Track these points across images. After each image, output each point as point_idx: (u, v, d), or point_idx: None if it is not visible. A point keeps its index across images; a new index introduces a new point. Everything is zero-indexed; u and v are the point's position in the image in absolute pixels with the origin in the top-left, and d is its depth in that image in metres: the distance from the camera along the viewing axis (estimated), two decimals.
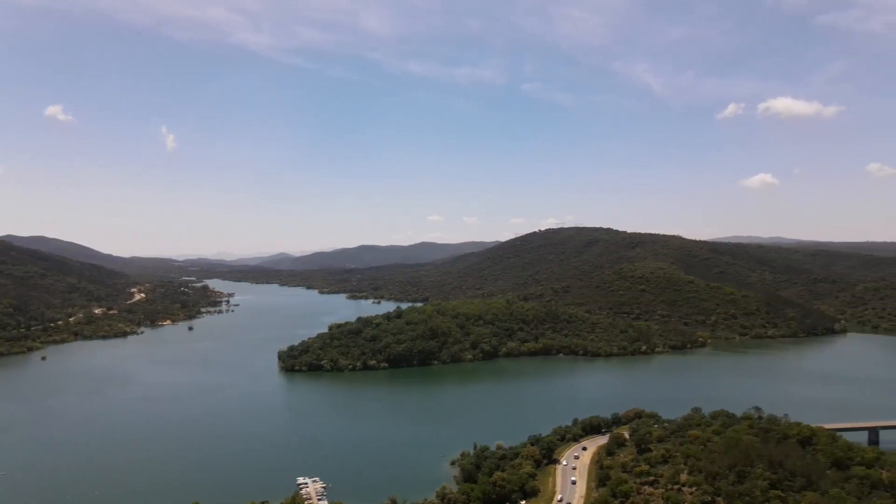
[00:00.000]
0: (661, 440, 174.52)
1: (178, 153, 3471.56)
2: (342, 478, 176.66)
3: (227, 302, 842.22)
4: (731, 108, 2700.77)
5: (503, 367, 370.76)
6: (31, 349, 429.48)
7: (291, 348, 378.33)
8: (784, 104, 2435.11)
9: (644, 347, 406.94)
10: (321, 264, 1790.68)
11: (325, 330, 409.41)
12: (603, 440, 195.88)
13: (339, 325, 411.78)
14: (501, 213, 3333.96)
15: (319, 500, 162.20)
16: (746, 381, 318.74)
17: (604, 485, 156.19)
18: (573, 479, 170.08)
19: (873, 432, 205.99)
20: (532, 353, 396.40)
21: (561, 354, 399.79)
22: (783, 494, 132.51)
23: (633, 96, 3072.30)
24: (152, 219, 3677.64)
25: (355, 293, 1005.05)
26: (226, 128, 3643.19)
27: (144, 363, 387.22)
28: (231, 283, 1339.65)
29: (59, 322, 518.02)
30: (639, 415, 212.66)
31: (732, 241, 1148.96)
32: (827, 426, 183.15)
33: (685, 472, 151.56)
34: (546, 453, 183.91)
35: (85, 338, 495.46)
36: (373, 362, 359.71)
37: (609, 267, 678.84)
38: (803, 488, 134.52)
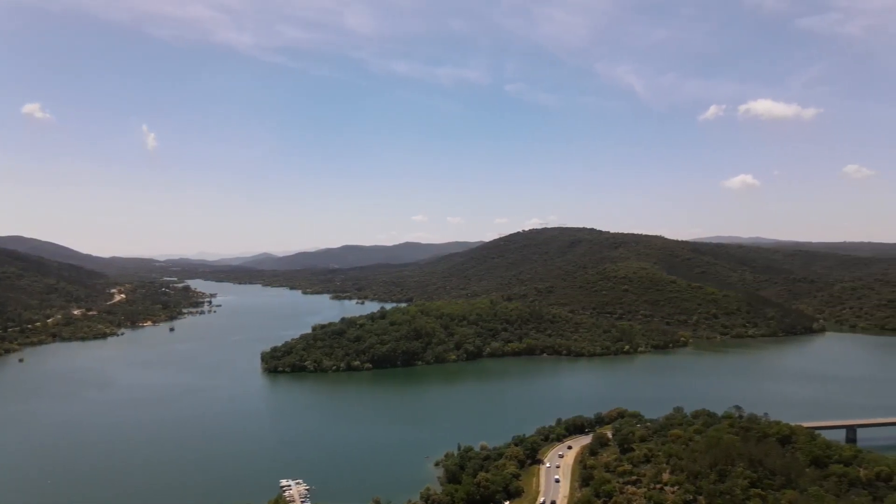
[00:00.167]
0: (643, 440, 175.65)
1: (160, 152, 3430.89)
2: (326, 480, 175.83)
3: (209, 303, 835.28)
4: (713, 109, 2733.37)
5: (487, 367, 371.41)
6: (7, 351, 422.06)
7: (274, 349, 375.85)
8: (764, 106, 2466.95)
9: (627, 347, 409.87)
10: (305, 264, 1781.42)
11: (309, 331, 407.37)
12: (586, 440, 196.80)
13: (322, 326, 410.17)
14: (485, 213, 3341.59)
15: (303, 502, 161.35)
16: (727, 381, 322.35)
17: (587, 485, 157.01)
18: (557, 478, 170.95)
19: (851, 430, 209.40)
20: (516, 354, 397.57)
21: (545, 354, 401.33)
22: (763, 493, 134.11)
23: (615, 97, 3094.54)
24: (133, 218, 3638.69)
25: (339, 293, 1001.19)
26: (208, 127, 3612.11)
27: (125, 365, 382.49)
28: (213, 283, 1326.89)
29: (37, 323, 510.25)
30: (622, 414, 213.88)
31: (714, 241, 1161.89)
32: (806, 424, 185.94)
33: (667, 471, 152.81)
34: (530, 453, 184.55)
35: (63, 339, 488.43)
36: (357, 363, 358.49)
37: (592, 267, 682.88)
38: (783, 486, 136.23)
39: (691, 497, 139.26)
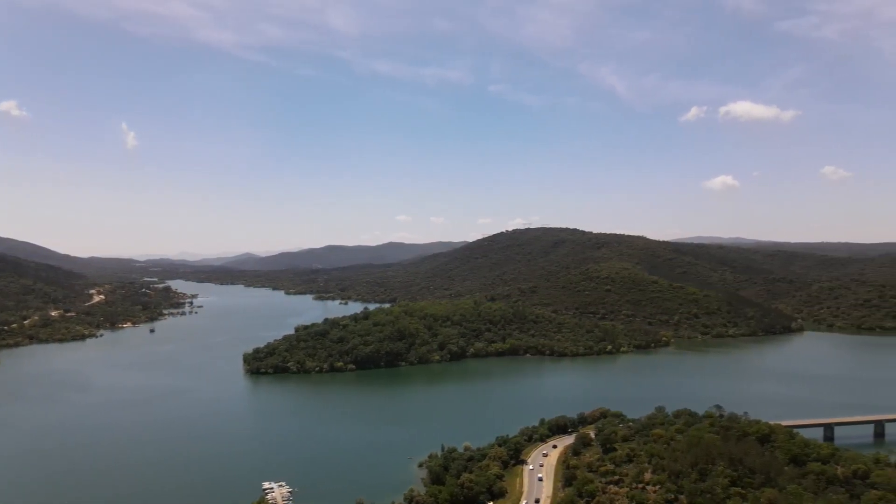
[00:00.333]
0: (625, 439, 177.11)
1: (139, 151, 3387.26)
2: (309, 482, 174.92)
3: (191, 303, 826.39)
4: (694, 111, 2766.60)
5: (470, 367, 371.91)
6: None
7: (257, 350, 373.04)
8: (744, 108, 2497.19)
9: (609, 347, 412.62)
10: (287, 265, 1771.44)
11: (292, 331, 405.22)
12: (569, 440, 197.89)
13: (305, 327, 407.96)
14: (469, 213, 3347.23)
15: None
16: (708, 380, 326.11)
17: (570, 485, 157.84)
18: (540, 476, 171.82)
19: (828, 429, 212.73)
20: (499, 354, 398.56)
21: (528, 355, 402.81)
22: (743, 491, 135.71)
23: (598, 98, 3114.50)
24: (112, 218, 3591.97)
25: (322, 294, 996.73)
26: (189, 126, 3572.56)
27: (104, 367, 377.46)
28: (194, 284, 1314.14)
29: (13, 325, 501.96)
30: (604, 414, 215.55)
31: (695, 241, 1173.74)
32: (784, 423, 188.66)
33: (649, 470, 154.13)
34: (513, 454, 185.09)
35: (41, 341, 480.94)
36: (340, 364, 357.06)
37: (575, 267, 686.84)
38: (762, 485, 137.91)
39: (673, 496, 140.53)
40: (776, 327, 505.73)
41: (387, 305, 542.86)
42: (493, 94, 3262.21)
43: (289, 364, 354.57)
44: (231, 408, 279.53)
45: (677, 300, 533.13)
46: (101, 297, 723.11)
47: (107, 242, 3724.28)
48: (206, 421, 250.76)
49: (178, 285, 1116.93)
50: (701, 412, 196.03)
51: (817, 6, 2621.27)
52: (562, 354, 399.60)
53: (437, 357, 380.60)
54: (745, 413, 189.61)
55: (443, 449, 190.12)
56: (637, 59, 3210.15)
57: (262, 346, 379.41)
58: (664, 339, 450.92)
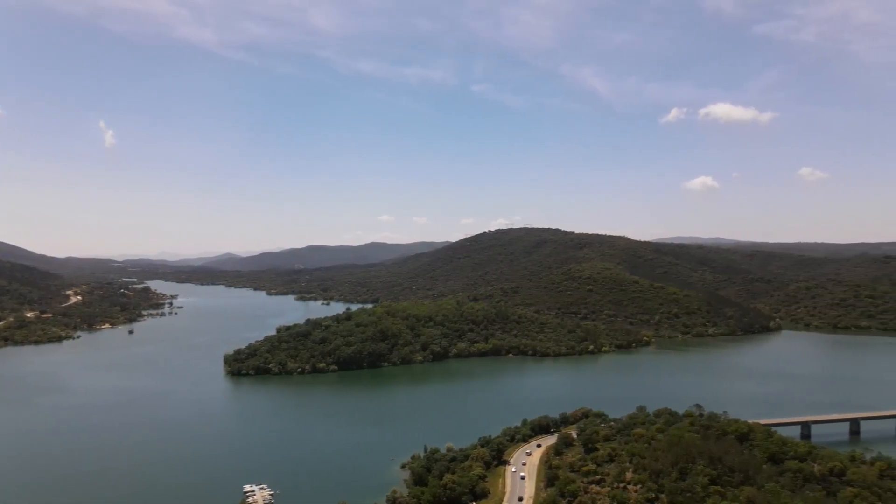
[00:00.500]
0: (607, 439, 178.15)
1: (118, 149, 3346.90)
2: (290, 484, 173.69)
3: (171, 304, 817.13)
4: (674, 112, 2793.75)
5: (453, 368, 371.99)
6: None
7: (238, 352, 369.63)
8: (723, 110, 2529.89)
9: (591, 347, 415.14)
10: (269, 265, 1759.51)
11: (273, 332, 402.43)
12: (551, 440, 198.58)
13: (287, 328, 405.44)
14: (451, 213, 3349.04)
15: None
16: (688, 379, 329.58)
17: (552, 485, 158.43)
18: (522, 475, 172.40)
19: (805, 427, 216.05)
20: (482, 354, 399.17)
21: (510, 355, 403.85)
22: (722, 489, 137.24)
23: (580, 99, 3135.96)
24: (90, 218, 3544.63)
25: (304, 294, 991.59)
26: (169, 125, 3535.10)
27: (81, 369, 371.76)
28: (174, 284, 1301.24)
29: None
30: (586, 414, 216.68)
31: (675, 241, 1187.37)
32: (763, 422, 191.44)
33: (630, 470, 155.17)
34: (496, 454, 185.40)
35: (16, 343, 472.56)
36: (322, 365, 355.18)
37: (557, 267, 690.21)
38: (741, 483, 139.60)
39: (653, 495, 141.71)
40: (755, 327, 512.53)
41: (369, 306, 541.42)
42: (475, 95, 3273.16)
43: (270, 365, 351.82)
44: (211, 410, 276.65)
45: (658, 300, 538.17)
46: (79, 297, 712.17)
47: (84, 242, 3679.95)
48: (185, 423, 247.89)
49: (157, 286, 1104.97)
50: (681, 411, 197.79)
51: (794, 10, 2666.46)
52: (544, 354, 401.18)
53: (420, 357, 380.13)
54: (725, 412, 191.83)
55: (425, 450, 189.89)
56: (618, 60, 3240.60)
57: (243, 347, 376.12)
58: (645, 338, 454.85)
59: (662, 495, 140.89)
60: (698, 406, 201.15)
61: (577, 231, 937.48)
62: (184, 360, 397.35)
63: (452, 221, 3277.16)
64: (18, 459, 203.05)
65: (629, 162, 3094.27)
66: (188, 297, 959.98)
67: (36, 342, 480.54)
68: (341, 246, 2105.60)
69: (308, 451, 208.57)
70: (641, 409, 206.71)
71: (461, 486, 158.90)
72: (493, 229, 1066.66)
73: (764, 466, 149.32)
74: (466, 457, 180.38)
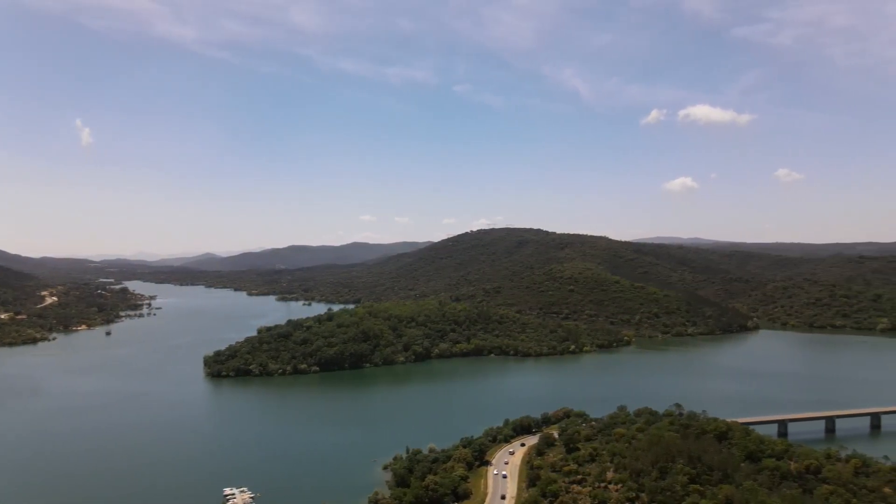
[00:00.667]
0: (588, 439, 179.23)
1: (95, 148, 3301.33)
2: (271, 486, 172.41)
3: (149, 305, 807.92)
4: (654, 113, 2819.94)
5: (435, 368, 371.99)
6: None
7: (218, 353, 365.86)
8: (702, 111, 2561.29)
9: (573, 347, 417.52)
10: (250, 265, 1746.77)
11: (254, 333, 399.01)
12: (533, 440, 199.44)
13: (268, 329, 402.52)
14: (433, 213, 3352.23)
15: None
16: (668, 378, 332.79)
17: (534, 485, 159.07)
18: (504, 474, 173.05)
19: (782, 425, 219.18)
20: (464, 354, 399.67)
21: (492, 355, 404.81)
22: (701, 488, 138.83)
23: (561, 100, 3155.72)
24: (66, 217, 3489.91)
25: (285, 295, 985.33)
26: (147, 123, 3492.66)
27: (57, 371, 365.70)
28: (153, 285, 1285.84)
29: None
30: (567, 414, 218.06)
31: (655, 241, 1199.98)
32: (741, 420, 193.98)
33: (611, 469, 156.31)
34: (478, 455, 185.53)
35: None
36: (303, 366, 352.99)
37: (539, 267, 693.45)
38: (720, 482, 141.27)
39: (634, 495, 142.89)
40: (733, 326, 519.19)
41: (351, 306, 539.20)
42: (457, 95, 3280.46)
43: (251, 366, 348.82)
44: (191, 412, 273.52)
45: (638, 300, 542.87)
46: (54, 298, 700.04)
47: (60, 242, 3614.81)
48: (164, 426, 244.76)
49: (135, 286, 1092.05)
50: (661, 411, 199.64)
51: (772, 13, 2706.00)
52: (526, 354, 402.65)
53: (402, 358, 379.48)
54: (704, 411, 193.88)
55: (407, 451, 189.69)
56: (599, 61, 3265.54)
57: (223, 348, 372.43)
58: (626, 338, 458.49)
59: (643, 494, 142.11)
60: (678, 405, 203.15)
61: (558, 231, 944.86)
62: (162, 362, 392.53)
63: (434, 221, 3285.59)
64: None
65: (610, 162, 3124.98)
66: (167, 297, 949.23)
67: (10, 344, 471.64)
68: (323, 246, 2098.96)
69: (289, 454, 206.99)
70: (622, 408, 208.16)
71: (443, 487, 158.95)
72: (474, 229, 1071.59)
73: (742, 465, 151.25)
74: (448, 457, 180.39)
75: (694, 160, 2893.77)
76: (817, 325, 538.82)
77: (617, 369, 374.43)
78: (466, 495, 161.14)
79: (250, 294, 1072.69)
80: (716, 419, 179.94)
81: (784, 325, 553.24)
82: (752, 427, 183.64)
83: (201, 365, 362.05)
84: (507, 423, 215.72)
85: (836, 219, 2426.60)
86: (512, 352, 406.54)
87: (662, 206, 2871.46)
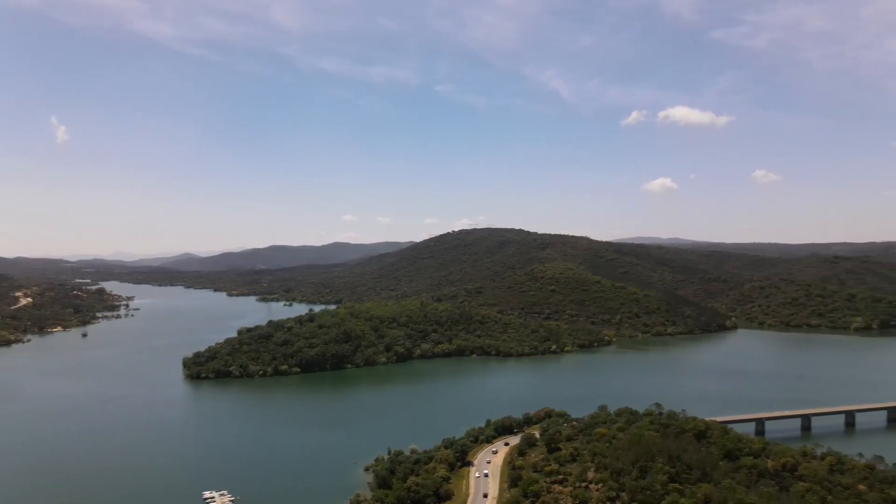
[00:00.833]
0: (569, 439, 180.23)
1: (70, 146, 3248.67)
2: (251, 489, 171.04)
3: (127, 306, 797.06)
4: (634, 115, 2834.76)
5: (417, 369, 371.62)
6: None
7: (197, 354, 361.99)
8: (681, 113, 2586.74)
9: (554, 347, 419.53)
10: (230, 265, 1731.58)
11: (234, 334, 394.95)
12: (515, 440, 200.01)
13: (248, 330, 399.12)
14: (415, 213, 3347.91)
15: None
16: (648, 378, 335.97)
17: (515, 485, 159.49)
18: (486, 472, 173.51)
19: (759, 423, 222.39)
20: (446, 355, 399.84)
21: (474, 355, 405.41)
22: (681, 487, 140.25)
23: (542, 101, 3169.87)
24: (41, 216, 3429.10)
25: (266, 295, 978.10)
26: (125, 121, 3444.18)
27: (32, 374, 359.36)
28: (131, 285, 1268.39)
29: None
30: (549, 414, 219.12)
31: (635, 241, 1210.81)
32: (719, 419, 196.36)
33: (592, 469, 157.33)
34: (459, 456, 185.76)
35: None
36: (284, 367, 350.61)
37: (520, 268, 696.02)
38: (699, 480, 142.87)
39: (615, 494, 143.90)
40: (711, 325, 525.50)
41: (332, 307, 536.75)
42: (439, 95, 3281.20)
43: (231, 368, 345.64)
44: (169, 415, 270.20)
45: (619, 300, 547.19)
46: (29, 299, 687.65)
47: (35, 242, 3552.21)
48: (142, 429, 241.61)
49: (112, 287, 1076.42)
50: (641, 410, 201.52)
51: (749, 16, 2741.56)
52: (507, 355, 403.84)
53: (384, 359, 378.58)
54: (683, 410, 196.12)
55: (389, 452, 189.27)
56: (580, 63, 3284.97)
57: (202, 349, 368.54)
58: (607, 338, 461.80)
59: (623, 494, 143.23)
60: (658, 405, 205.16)
61: (539, 231, 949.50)
62: (140, 364, 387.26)
63: (416, 221, 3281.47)
64: None
65: (591, 163, 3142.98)
66: (145, 298, 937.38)
67: None
68: (304, 246, 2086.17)
69: (269, 456, 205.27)
70: (603, 408, 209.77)
71: (425, 488, 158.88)
72: (456, 229, 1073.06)
73: (720, 463, 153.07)
74: (430, 458, 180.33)
75: (673, 161, 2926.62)
76: (793, 324, 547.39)
77: (598, 369, 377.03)
78: (448, 496, 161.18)
79: (230, 295, 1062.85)
80: (695, 418, 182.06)
81: (761, 325, 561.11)
82: (730, 426, 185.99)
83: (180, 367, 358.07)
84: (488, 423, 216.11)
85: (811, 219, 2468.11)
86: (494, 352, 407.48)
87: (642, 207, 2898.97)
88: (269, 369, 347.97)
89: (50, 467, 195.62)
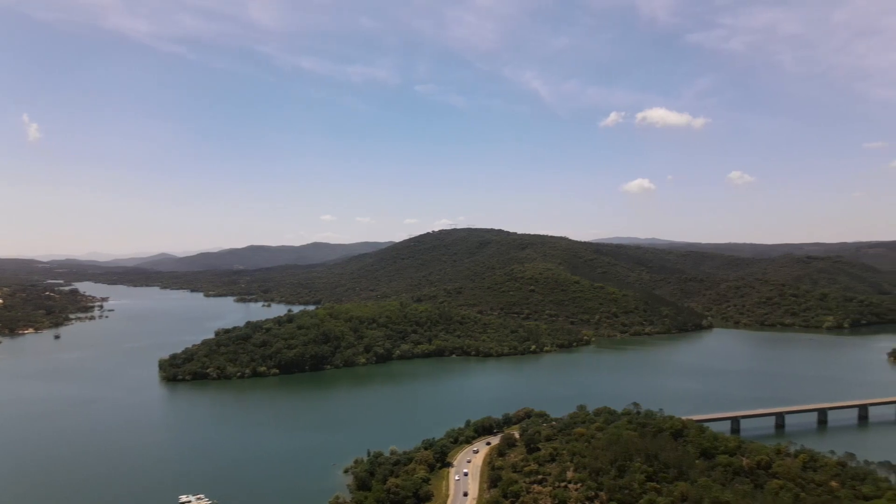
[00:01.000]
0: (549, 439, 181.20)
1: (43, 144, 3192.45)
2: (229, 493, 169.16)
3: (101, 307, 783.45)
4: (613, 116, 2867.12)
5: (397, 369, 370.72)
6: None
7: (174, 356, 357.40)
8: (659, 114, 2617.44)
9: (533, 347, 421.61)
10: (207, 265, 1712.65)
11: (212, 336, 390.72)
12: (495, 441, 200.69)
13: (226, 331, 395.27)
14: (395, 213, 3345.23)
15: None
16: (627, 377, 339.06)
17: (495, 485, 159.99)
18: (466, 471, 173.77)
19: (735, 421, 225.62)
20: (426, 355, 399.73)
21: (454, 356, 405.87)
22: (658, 486, 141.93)
23: (522, 101, 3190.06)
24: (11, 215, 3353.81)
25: (244, 296, 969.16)
26: (99, 119, 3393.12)
27: (2, 377, 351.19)
28: (105, 286, 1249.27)
29: None
30: (528, 414, 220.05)
31: (614, 241, 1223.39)
32: (696, 418, 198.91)
33: (571, 469, 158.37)
34: (439, 457, 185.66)
35: None
36: (263, 369, 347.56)
37: (500, 268, 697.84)
38: (676, 479, 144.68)
39: (593, 493, 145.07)
40: (688, 325, 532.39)
41: (311, 307, 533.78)
42: (419, 94, 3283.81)
43: (208, 370, 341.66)
44: (145, 418, 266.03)
45: (598, 300, 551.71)
46: None
47: (5, 242, 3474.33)
48: (117, 433, 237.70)
49: (86, 288, 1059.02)
50: (620, 409, 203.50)
51: (724, 20, 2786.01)
52: (487, 355, 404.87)
53: (363, 360, 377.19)
54: (661, 409, 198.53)
55: (369, 454, 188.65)
56: (559, 64, 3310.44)
57: (179, 351, 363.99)
58: (585, 337, 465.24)
59: (602, 493, 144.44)
60: (636, 404, 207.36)
61: (519, 231, 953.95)
62: (115, 366, 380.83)
63: (396, 221, 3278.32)
64: None
65: (570, 163, 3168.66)
66: (120, 299, 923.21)
67: None
68: (282, 246, 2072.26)
69: (247, 459, 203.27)
70: (582, 407, 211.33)
71: (405, 490, 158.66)
72: (436, 229, 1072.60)
73: (697, 462, 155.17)
74: (410, 460, 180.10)
75: (651, 162, 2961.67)
76: (768, 323, 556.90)
77: (577, 369, 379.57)
78: (428, 497, 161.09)
79: (207, 295, 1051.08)
80: (672, 417, 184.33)
81: (737, 324, 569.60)
82: (706, 424, 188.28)
83: (156, 369, 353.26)
84: (468, 423, 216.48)
85: (785, 220, 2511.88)
86: (473, 352, 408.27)
87: (621, 207, 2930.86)
88: (248, 371, 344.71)
89: (23, 473, 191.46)
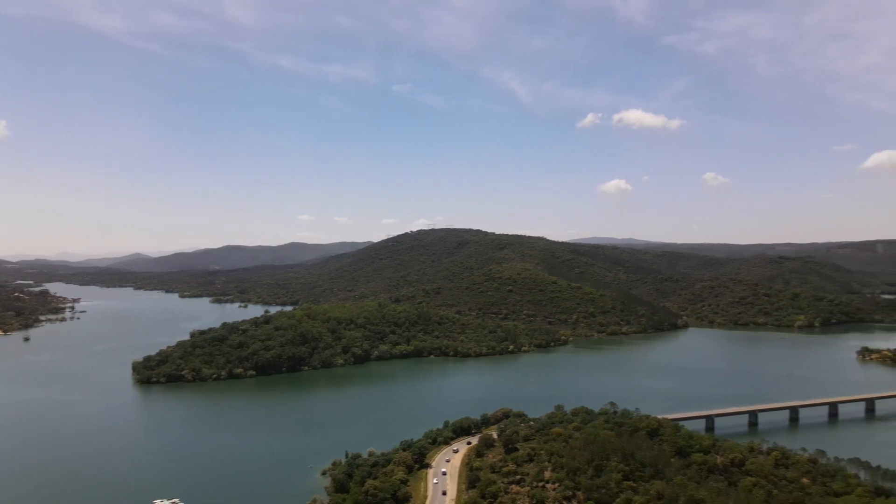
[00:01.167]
0: (527, 439, 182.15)
1: (11, 141, 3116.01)
2: (205, 496, 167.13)
3: (72, 308, 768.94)
4: (590, 117, 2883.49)
5: (375, 370, 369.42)
6: None
7: (148, 358, 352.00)
8: (635, 116, 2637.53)
9: (511, 347, 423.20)
10: (182, 266, 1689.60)
11: (187, 337, 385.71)
12: (473, 441, 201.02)
13: (202, 332, 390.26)
14: (373, 213, 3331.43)
15: None
16: (604, 377, 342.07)
17: (474, 486, 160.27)
18: (444, 472, 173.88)
19: (709, 420, 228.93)
20: (404, 356, 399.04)
21: (432, 356, 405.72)
22: (635, 485, 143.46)
23: (500, 102, 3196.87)
24: None
25: (220, 297, 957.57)
26: (71, 116, 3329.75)
27: None
28: (77, 287, 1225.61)
29: None
30: (507, 414, 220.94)
31: (591, 241, 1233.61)
32: (671, 416, 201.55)
33: (549, 469, 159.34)
34: (418, 458, 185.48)
35: None
36: (239, 370, 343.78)
37: (478, 268, 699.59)
38: (652, 477, 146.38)
39: (571, 493, 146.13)
40: (664, 324, 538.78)
41: (289, 308, 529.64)
42: (397, 94, 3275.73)
43: (183, 372, 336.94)
44: (118, 421, 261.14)
45: (575, 300, 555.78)
46: None
47: None
48: (90, 436, 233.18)
49: (57, 288, 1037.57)
50: (597, 409, 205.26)
51: (699, 23, 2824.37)
52: (465, 355, 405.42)
53: (341, 361, 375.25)
54: (637, 408, 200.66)
55: (346, 455, 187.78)
56: (536, 65, 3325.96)
57: (153, 353, 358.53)
58: (563, 337, 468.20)
59: (579, 493, 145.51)
60: (612, 403, 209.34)
61: (497, 232, 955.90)
62: (88, 369, 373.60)
63: (374, 221, 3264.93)
64: None
65: (548, 164, 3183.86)
66: (92, 300, 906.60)
67: None
68: (259, 246, 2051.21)
69: (223, 462, 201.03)
70: (559, 407, 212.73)
71: (383, 492, 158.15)
72: (414, 230, 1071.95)
73: (672, 460, 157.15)
74: (388, 461, 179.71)
75: (628, 163, 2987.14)
76: (741, 322, 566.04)
77: (554, 369, 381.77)
78: (406, 499, 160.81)
79: (183, 296, 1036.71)
80: (648, 416, 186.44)
81: (711, 323, 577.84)
82: (681, 423, 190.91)
83: (130, 371, 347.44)
84: (446, 424, 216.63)
85: (757, 220, 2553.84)
86: (452, 352, 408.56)
87: (598, 208, 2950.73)
88: (224, 373, 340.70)
89: None
